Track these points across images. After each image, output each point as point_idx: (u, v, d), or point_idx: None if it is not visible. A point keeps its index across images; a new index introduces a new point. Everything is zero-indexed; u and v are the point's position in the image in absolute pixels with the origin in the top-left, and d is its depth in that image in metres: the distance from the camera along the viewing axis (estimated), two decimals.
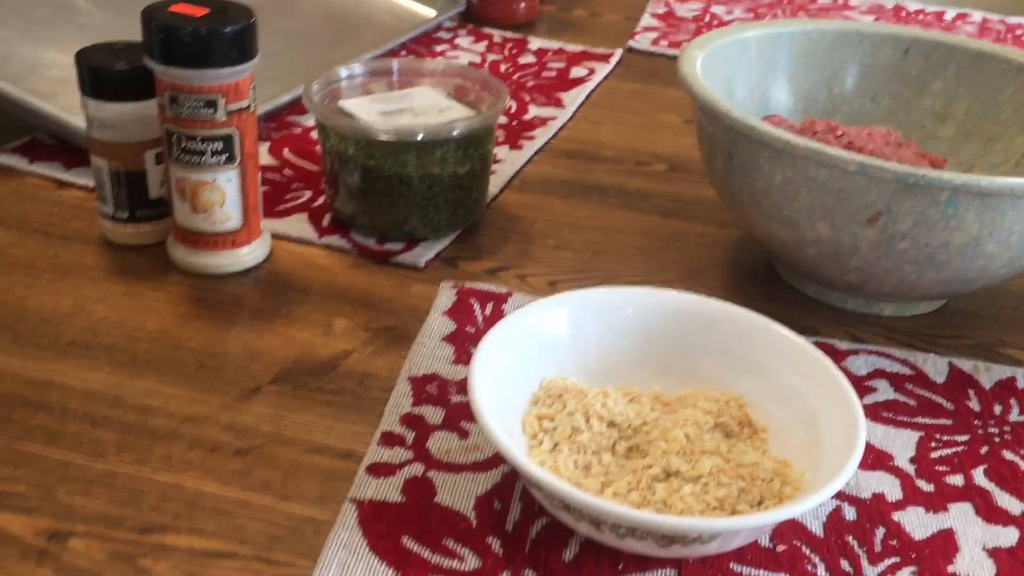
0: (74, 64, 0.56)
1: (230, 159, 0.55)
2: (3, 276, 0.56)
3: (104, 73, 0.55)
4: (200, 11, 0.53)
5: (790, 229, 0.53)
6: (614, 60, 0.98)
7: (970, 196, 0.47)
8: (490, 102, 0.64)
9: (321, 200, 0.67)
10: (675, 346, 0.49)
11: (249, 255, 0.59)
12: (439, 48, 0.98)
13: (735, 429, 0.46)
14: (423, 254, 0.61)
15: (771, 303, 0.60)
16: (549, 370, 0.47)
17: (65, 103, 0.71)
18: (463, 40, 1.01)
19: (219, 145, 0.54)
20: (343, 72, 0.65)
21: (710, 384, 0.48)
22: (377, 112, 0.62)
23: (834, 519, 0.43)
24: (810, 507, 0.37)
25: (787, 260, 0.58)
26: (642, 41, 1.04)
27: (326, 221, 0.64)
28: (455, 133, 0.59)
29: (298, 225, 0.64)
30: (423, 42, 0.99)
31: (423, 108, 0.63)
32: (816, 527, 0.43)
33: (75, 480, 0.42)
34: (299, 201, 0.66)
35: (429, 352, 0.52)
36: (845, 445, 0.41)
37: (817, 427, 0.44)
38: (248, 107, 0.55)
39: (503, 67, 0.94)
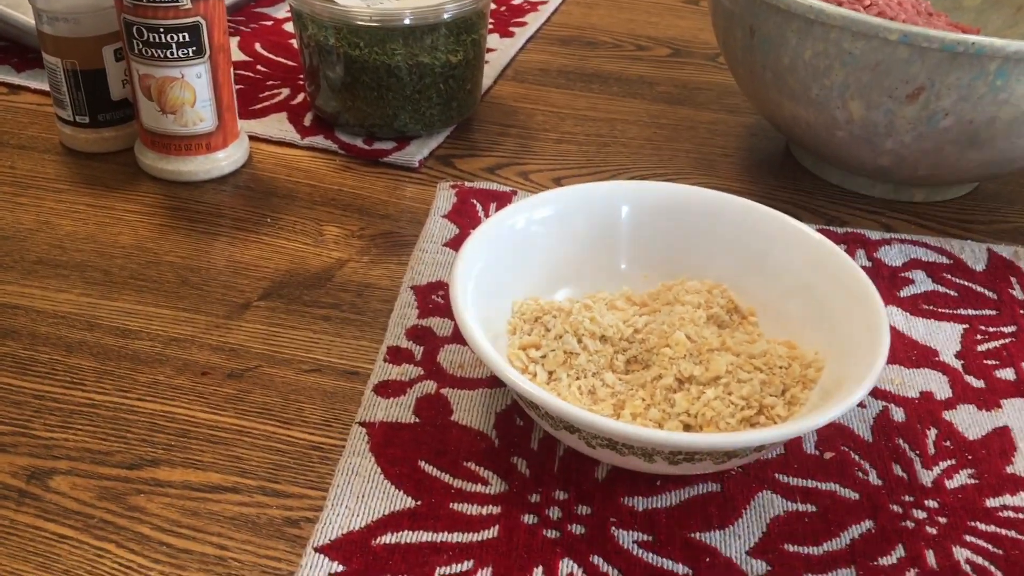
0: None
1: (198, 52, 0.49)
2: None
3: None
4: None
5: (818, 109, 0.49)
6: None
7: (1023, 65, 0.43)
8: None
9: (301, 97, 0.61)
10: (632, 238, 0.45)
11: (226, 160, 0.53)
12: None
13: (726, 319, 0.42)
14: (416, 152, 0.56)
15: (791, 192, 0.56)
16: (521, 286, 0.43)
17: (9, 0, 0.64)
18: None
19: (185, 36, 0.49)
20: None
21: (681, 274, 0.44)
22: None
23: (882, 421, 0.40)
24: (857, 400, 0.34)
25: (811, 145, 0.53)
26: None
27: (308, 120, 0.59)
28: (446, 16, 0.54)
29: (277, 125, 0.58)
30: None
31: None
32: (864, 431, 0.40)
33: (53, 413, 0.38)
34: (277, 100, 0.61)
35: (431, 259, 0.48)
36: (865, 328, 0.37)
37: (815, 300, 0.41)
38: None
39: None
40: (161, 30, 0.48)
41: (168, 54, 0.49)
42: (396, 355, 0.42)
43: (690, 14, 0.78)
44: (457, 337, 0.43)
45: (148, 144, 0.52)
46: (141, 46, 0.49)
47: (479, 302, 0.39)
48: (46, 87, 0.60)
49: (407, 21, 0.53)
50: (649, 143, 0.60)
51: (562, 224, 0.43)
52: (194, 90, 0.50)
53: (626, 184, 0.44)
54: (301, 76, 0.63)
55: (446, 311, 0.45)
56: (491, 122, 0.61)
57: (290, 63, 0.65)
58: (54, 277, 0.45)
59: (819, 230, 0.50)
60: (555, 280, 0.43)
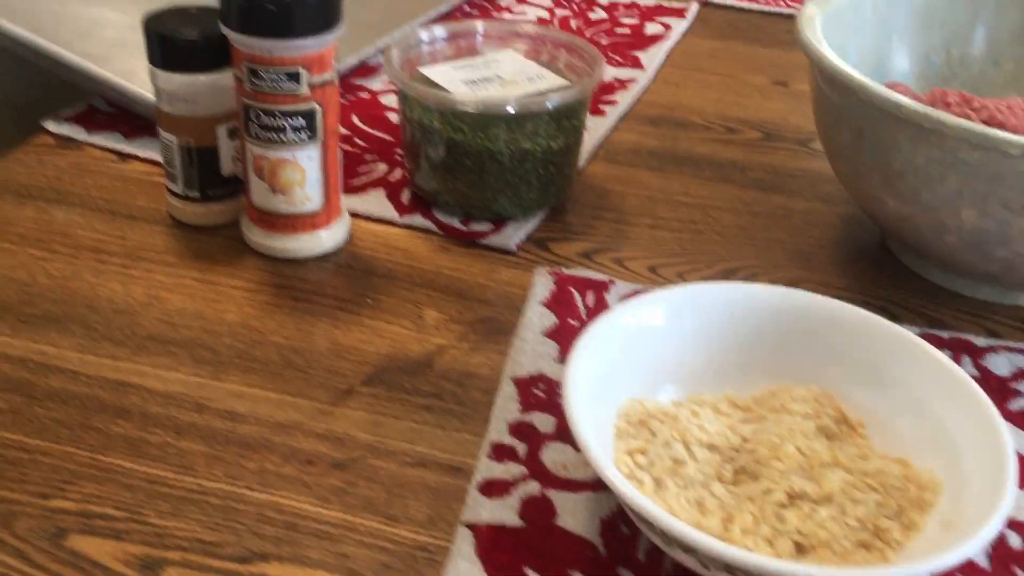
0: (142, 32, 0.52)
1: (312, 136, 0.51)
2: (72, 261, 0.52)
3: (175, 42, 0.51)
4: None
5: (927, 214, 0.48)
6: (690, 15, 0.92)
7: None
8: (582, 70, 0.59)
9: (399, 174, 0.62)
10: (741, 341, 0.44)
11: (329, 238, 0.54)
12: (503, 2, 0.92)
13: (835, 430, 0.42)
14: (513, 235, 0.57)
15: (889, 289, 0.55)
16: (627, 385, 0.42)
17: (122, 68, 0.66)
18: None
19: (300, 121, 0.50)
20: (423, 35, 0.60)
21: (786, 378, 0.44)
22: (462, 81, 0.57)
23: (1000, 550, 0.39)
24: (989, 537, 0.33)
25: (915, 245, 0.53)
26: None
27: (405, 198, 0.60)
28: (549, 105, 0.55)
29: (376, 202, 0.59)
30: None
31: (511, 76, 0.58)
32: (980, 558, 0.39)
33: (164, 498, 0.39)
34: (375, 175, 0.62)
35: (531, 349, 0.48)
36: (990, 460, 0.36)
37: (930, 417, 0.40)
38: (331, 79, 0.50)
39: (573, 23, 0.89)
40: (278, 114, 0.49)
41: (283, 137, 0.50)
42: (500, 452, 0.42)
43: (780, 96, 0.78)
44: (560, 435, 0.43)
45: (255, 220, 0.54)
46: (258, 129, 0.50)
47: (588, 403, 0.39)
48: (154, 156, 0.62)
49: (510, 109, 0.54)
50: (743, 232, 0.60)
51: (672, 323, 0.43)
52: (304, 172, 0.51)
53: (740, 286, 0.44)
54: (399, 151, 0.65)
55: (548, 406, 0.45)
56: (585, 204, 0.61)
57: (387, 137, 0.67)
58: (164, 355, 0.46)
59: (921, 333, 0.49)
60: (659, 379, 0.43)
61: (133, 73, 0.67)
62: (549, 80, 0.58)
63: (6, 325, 0.47)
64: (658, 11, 0.92)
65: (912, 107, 0.45)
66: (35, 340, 0.46)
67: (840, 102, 0.51)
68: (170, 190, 0.56)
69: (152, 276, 0.52)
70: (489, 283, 0.53)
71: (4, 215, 0.56)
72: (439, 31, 0.61)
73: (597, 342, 0.41)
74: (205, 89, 0.52)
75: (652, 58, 0.82)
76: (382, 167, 0.63)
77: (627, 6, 0.93)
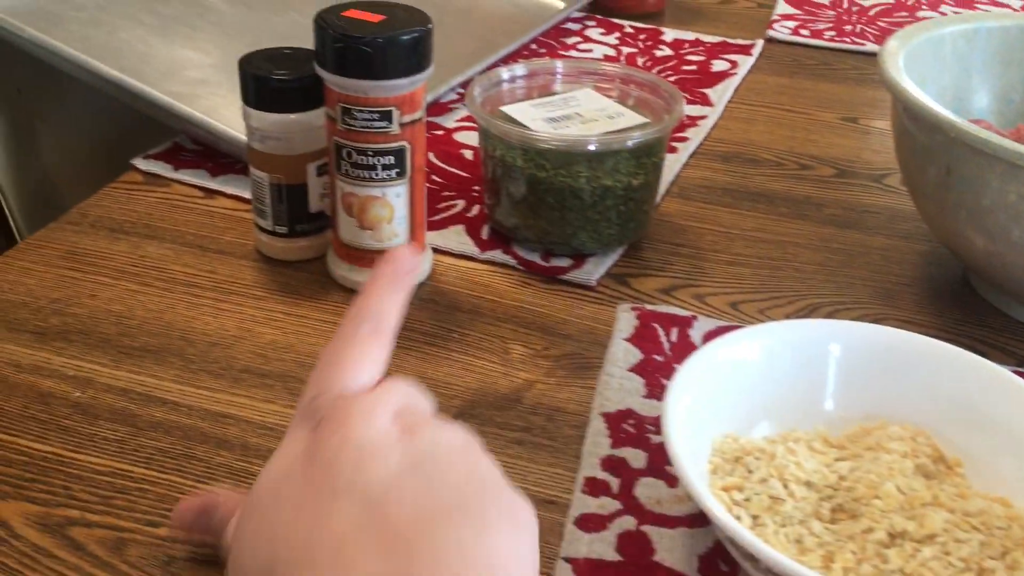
0: (238, 72, 0.53)
1: (400, 173, 0.52)
2: (166, 294, 0.54)
3: (269, 82, 0.52)
4: (375, 17, 0.49)
5: (1018, 252, 0.48)
6: (756, 52, 0.92)
7: None
8: (659, 107, 0.60)
9: (476, 210, 0.63)
10: (837, 378, 0.45)
11: None
12: (570, 41, 0.94)
13: (932, 469, 0.41)
14: (593, 271, 0.57)
15: (975, 327, 0.55)
16: (721, 421, 0.43)
17: (205, 106, 0.68)
18: (593, 32, 0.96)
19: (390, 159, 0.51)
20: (504, 74, 0.61)
21: (879, 416, 0.44)
22: (543, 119, 0.58)
23: None
24: None
25: (1005, 283, 0.52)
26: (781, 31, 0.98)
27: (485, 233, 0.61)
28: (630, 143, 0.55)
29: (457, 238, 0.60)
30: (552, 35, 0.94)
31: (591, 114, 0.59)
32: None
33: None
34: (454, 211, 0.63)
35: (618, 384, 0.49)
36: None
37: None
38: (420, 118, 0.51)
39: (640, 60, 0.90)
40: (370, 153, 0.51)
41: (373, 175, 0.51)
42: (593, 486, 0.42)
43: (850, 132, 0.78)
44: (653, 470, 0.43)
45: (342, 256, 0.55)
46: (349, 166, 0.51)
47: (685, 439, 0.39)
48: (239, 192, 0.64)
49: (592, 147, 0.55)
50: (823, 268, 0.60)
51: (766, 359, 0.44)
52: (393, 208, 0.53)
53: (837, 323, 0.45)
54: (475, 187, 0.66)
55: (638, 441, 0.45)
56: (662, 241, 0.62)
57: (463, 174, 0.68)
58: (260, 387, 0.47)
59: (1015, 371, 0.49)
60: (752, 415, 0.44)
61: (215, 110, 0.69)
62: (628, 117, 0.59)
63: (108, 357, 0.49)
64: (723, 48, 0.93)
65: (1004, 144, 0.45)
66: (136, 371, 0.48)
67: (926, 139, 0.51)
68: (258, 226, 0.57)
69: (243, 310, 0.53)
70: (571, 318, 0.54)
71: (100, 250, 0.57)
72: (519, 70, 0.62)
73: (693, 378, 0.41)
74: (297, 128, 0.53)
75: (721, 95, 0.83)
76: (460, 203, 0.64)
77: (692, 43, 0.94)
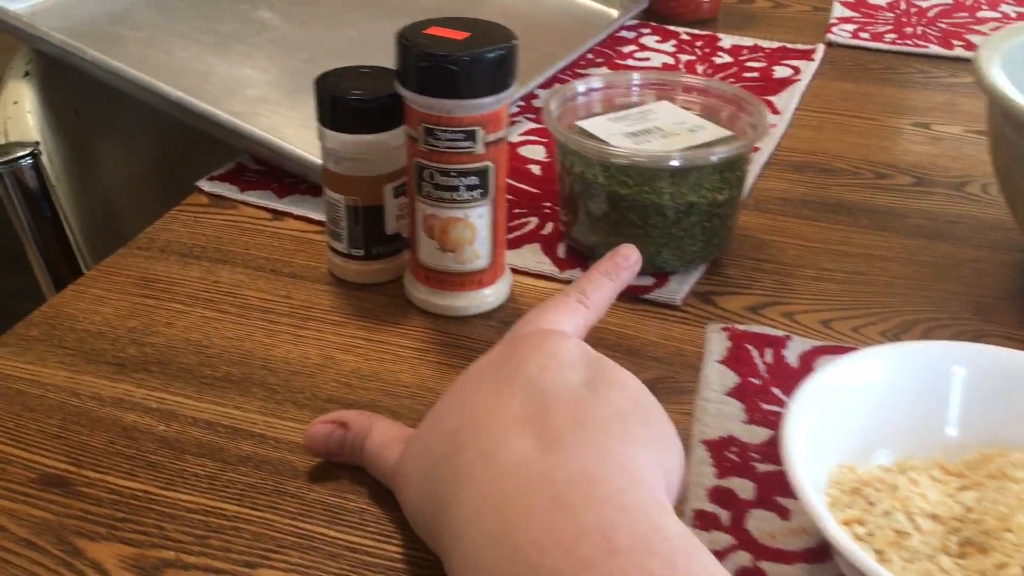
0: (313, 92, 0.52)
1: (484, 194, 0.50)
2: (243, 321, 0.53)
3: (347, 103, 0.51)
4: (459, 34, 0.48)
5: None
6: (818, 57, 0.90)
7: None
8: (738, 119, 0.58)
9: (550, 227, 0.62)
10: (958, 403, 0.42)
11: (493, 295, 0.54)
12: (626, 49, 0.92)
13: None
14: (676, 290, 0.56)
15: None
16: (837, 449, 0.41)
17: (266, 124, 0.67)
18: (648, 39, 0.94)
19: (474, 180, 0.50)
20: (579, 86, 0.60)
21: (1000, 442, 0.41)
22: (623, 133, 0.57)
23: None
24: None
25: None
26: (841, 34, 0.96)
27: (561, 251, 0.59)
28: (714, 159, 0.54)
29: (533, 257, 0.59)
30: (607, 44, 0.93)
31: (671, 127, 0.58)
32: None
33: (369, 567, 0.38)
34: (527, 229, 0.62)
35: (715, 409, 0.47)
36: None
37: None
38: (504, 137, 0.50)
39: (700, 68, 0.88)
40: (453, 174, 0.49)
41: (456, 196, 0.50)
42: (704, 519, 0.41)
43: (923, 139, 0.76)
44: (763, 501, 0.42)
45: (421, 279, 0.53)
46: (431, 188, 0.50)
47: (804, 470, 0.37)
48: (307, 213, 0.63)
49: (675, 163, 0.53)
50: (913, 283, 0.58)
51: (887, 384, 0.42)
52: (475, 230, 0.51)
53: (961, 345, 0.43)
54: (546, 204, 0.64)
55: (744, 471, 0.43)
56: (744, 256, 0.60)
57: (532, 190, 0.66)
58: None
59: None
60: (867, 443, 0.42)
61: (277, 128, 0.68)
62: (709, 130, 0.57)
63: (191, 388, 0.47)
64: (783, 53, 0.91)
65: None
66: (220, 403, 0.47)
67: None
68: (333, 248, 0.56)
69: (323, 336, 0.52)
70: (659, 340, 0.52)
71: (173, 275, 0.56)
72: (594, 82, 0.60)
73: (810, 403, 0.40)
74: (374, 149, 0.52)
75: (787, 102, 0.81)
76: (533, 220, 0.63)
77: (751, 49, 0.92)
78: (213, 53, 0.77)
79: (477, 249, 0.52)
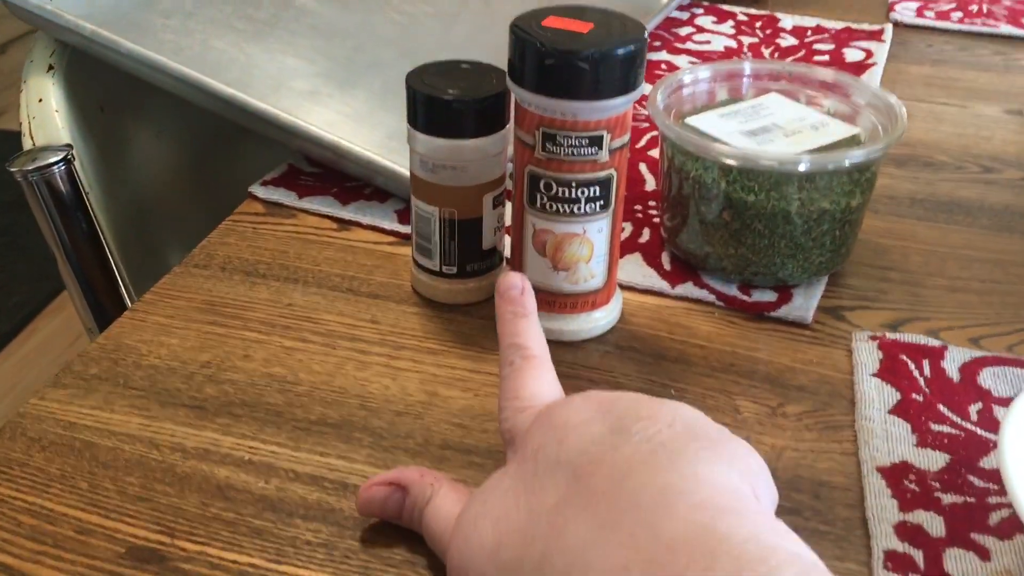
0: (405, 91, 0.46)
1: (605, 206, 0.45)
2: (329, 352, 0.47)
3: (446, 104, 0.45)
4: (584, 26, 0.42)
5: None
6: (887, 38, 0.85)
7: None
8: (868, 115, 0.53)
9: (647, 235, 0.56)
10: None
11: (605, 318, 0.48)
12: (683, 32, 0.86)
13: None
14: (805, 306, 0.50)
15: None
16: None
17: (321, 120, 0.61)
18: (704, 20, 0.89)
19: (596, 190, 0.44)
20: (686, 77, 0.54)
21: None
22: (739, 132, 0.51)
23: None
24: None
25: None
26: (905, 13, 0.90)
27: (666, 262, 0.54)
28: (847, 163, 0.48)
29: (638, 270, 0.53)
30: (663, 27, 0.87)
31: (791, 124, 0.52)
32: None
33: None
34: (624, 237, 0.56)
35: (882, 431, 0.42)
36: None
37: None
38: (627, 142, 0.44)
39: (765, 51, 0.82)
40: (574, 184, 0.43)
41: (575, 209, 0.44)
42: (896, 562, 0.36)
43: (1019, 127, 0.71)
44: (956, 539, 0.37)
45: None
46: (546, 200, 0.44)
47: None
48: (377, 222, 0.56)
49: (805, 167, 0.48)
50: None
51: None
52: (592, 246, 0.45)
53: None
54: (637, 207, 0.58)
55: (928, 503, 0.38)
56: (865, 264, 0.54)
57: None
58: (468, 466, 0.40)
59: None
60: None
61: (334, 126, 0.61)
62: (834, 128, 0.52)
63: (284, 435, 0.41)
64: (850, 35, 0.85)
65: None
66: (321, 452, 0.41)
67: None
68: (420, 264, 0.50)
69: (422, 368, 0.46)
70: (795, 364, 0.47)
71: (240, 298, 0.50)
72: (703, 72, 0.55)
73: (1019, 427, 0.35)
74: (474, 155, 0.46)
75: None
76: (627, 227, 0.57)
77: (815, 30, 0.87)
78: (252, 42, 0.70)
79: (593, 268, 0.46)
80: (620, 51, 0.41)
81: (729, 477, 0.29)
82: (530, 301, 0.39)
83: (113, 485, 0.39)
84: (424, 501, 0.35)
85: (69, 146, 0.60)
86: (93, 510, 0.38)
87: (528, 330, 0.38)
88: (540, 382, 0.36)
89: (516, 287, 0.39)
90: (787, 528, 0.28)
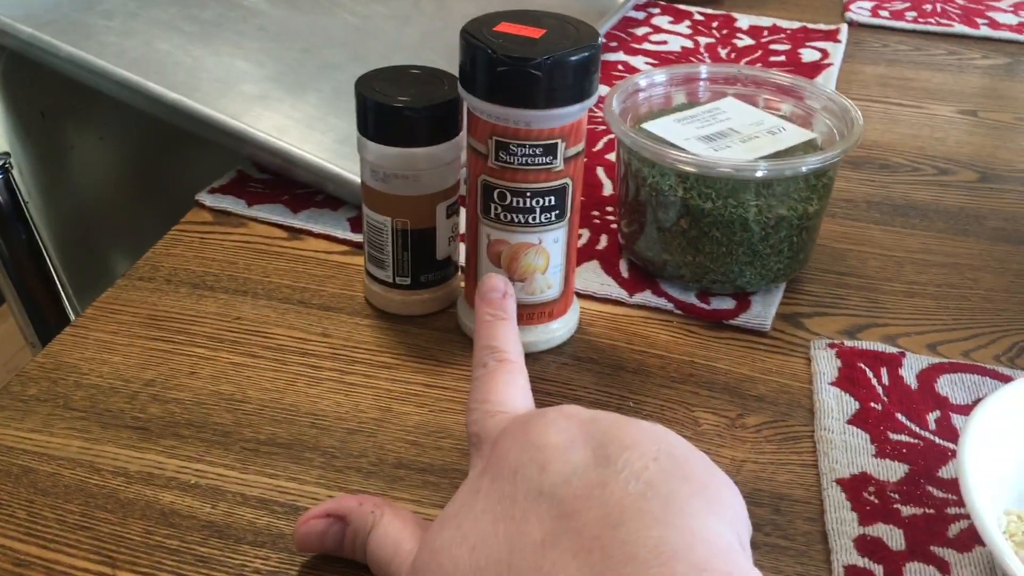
0: (355, 98, 0.45)
1: (560, 215, 0.44)
2: (279, 368, 0.45)
3: (397, 112, 0.44)
4: (536, 31, 0.41)
5: None
6: (843, 38, 0.85)
7: None
8: (803, 118, 0.53)
9: (605, 241, 0.55)
10: None
11: (562, 328, 0.47)
12: (640, 32, 0.85)
13: None
14: (763, 313, 0.50)
15: None
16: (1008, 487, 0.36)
17: (269, 125, 0.59)
18: (661, 20, 0.88)
19: (551, 200, 0.43)
20: (642, 81, 0.53)
21: None
22: (696, 137, 0.51)
23: None
24: None
25: None
26: (860, 12, 0.91)
27: (624, 270, 0.53)
28: (804, 169, 0.48)
29: (596, 278, 0.52)
30: (619, 27, 0.86)
31: (748, 130, 0.51)
32: None
33: None
34: (580, 244, 0.55)
35: (841, 441, 0.41)
36: None
37: None
38: (583, 150, 0.43)
39: (722, 51, 0.82)
40: (528, 194, 0.42)
41: (531, 219, 0.43)
42: None
43: (975, 129, 0.71)
44: (916, 553, 0.36)
45: None
46: (500, 210, 0.43)
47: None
48: (329, 231, 0.55)
49: (762, 173, 0.47)
50: (1014, 296, 0.52)
51: None
52: (548, 256, 0.44)
53: None
54: (594, 212, 0.58)
55: (888, 516, 0.38)
56: (823, 270, 0.54)
57: None
58: (422, 486, 0.39)
59: None
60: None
61: (285, 131, 0.60)
62: (792, 133, 0.51)
63: (233, 455, 0.40)
64: (806, 35, 0.85)
65: None
66: (271, 474, 0.39)
67: None
68: (373, 275, 0.49)
69: (375, 383, 0.45)
70: (755, 373, 0.46)
71: (186, 312, 0.48)
72: (658, 76, 0.54)
73: (979, 440, 0.34)
74: (426, 164, 0.45)
75: None
76: (584, 234, 0.56)
77: (771, 30, 0.86)
78: (198, 44, 0.68)
79: (549, 278, 0.45)
80: (574, 58, 0.40)
81: (720, 532, 0.28)
82: (511, 305, 0.38)
83: (52, 513, 0.37)
84: (367, 530, 0.34)
85: (6, 154, 0.58)
86: (31, 540, 0.36)
87: (506, 335, 0.37)
88: (513, 387, 0.35)
89: (498, 290, 0.38)
90: None
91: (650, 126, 0.52)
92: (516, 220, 0.43)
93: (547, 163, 0.42)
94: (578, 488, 0.29)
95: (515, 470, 0.30)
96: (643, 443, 0.30)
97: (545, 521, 0.28)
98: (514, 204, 0.43)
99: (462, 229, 0.48)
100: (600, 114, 0.69)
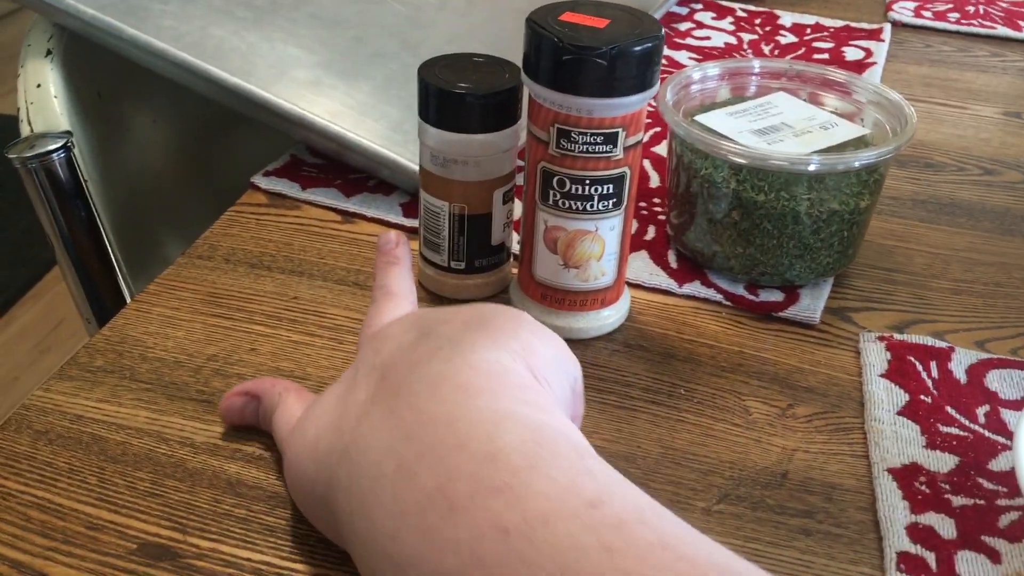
0: (417, 83, 0.46)
1: (618, 203, 0.44)
2: (337, 347, 0.46)
3: (460, 98, 0.45)
4: (600, 22, 0.42)
5: None
6: (886, 37, 0.85)
7: None
8: (872, 114, 0.53)
9: (653, 232, 0.56)
10: None
11: (613, 315, 0.48)
12: (683, 27, 0.86)
13: None
14: (812, 307, 0.50)
15: None
16: None
17: (323, 111, 0.60)
18: (703, 16, 0.88)
19: (609, 188, 0.44)
20: (695, 74, 0.54)
21: None
22: (749, 131, 0.51)
23: None
24: None
25: None
26: (903, 12, 0.91)
27: (673, 260, 0.54)
28: (857, 164, 0.48)
29: (645, 268, 0.53)
30: (662, 21, 0.87)
31: (800, 124, 0.52)
32: None
33: None
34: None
35: (892, 432, 0.42)
36: None
37: None
38: (642, 140, 0.44)
39: (765, 48, 0.82)
40: (587, 181, 0.43)
41: (588, 207, 0.44)
42: (910, 564, 0.36)
43: (1018, 129, 0.71)
44: (968, 542, 0.37)
45: (536, 297, 0.47)
46: (559, 197, 0.44)
47: None
48: (381, 215, 0.56)
49: (814, 167, 0.48)
50: None
51: None
52: (604, 243, 0.45)
53: None
54: (641, 203, 0.58)
55: (939, 505, 0.38)
56: (871, 266, 0.54)
57: None
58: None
59: None
60: None
61: (338, 116, 0.61)
62: (843, 128, 0.52)
63: None
64: (849, 33, 0.86)
65: None
66: None
67: None
68: (427, 259, 0.50)
69: None
70: (804, 365, 0.47)
71: (245, 291, 0.50)
72: (711, 70, 0.54)
73: None
74: (486, 150, 0.46)
75: None
76: (633, 224, 0.57)
77: (814, 27, 0.87)
78: (252, 30, 0.69)
79: (604, 265, 0.46)
80: (638, 48, 0.40)
81: (495, 359, 0.32)
82: (402, 252, 0.41)
83: (123, 480, 0.38)
84: (273, 407, 0.39)
85: (69, 133, 0.59)
86: (103, 505, 0.37)
87: (395, 274, 0.41)
88: (395, 314, 0.38)
89: (391, 242, 0.42)
90: (555, 401, 0.32)
91: (702, 118, 0.52)
92: (574, 207, 0.44)
93: (607, 151, 0.43)
94: (397, 355, 0.33)
95: (362, 359, 0.35)
96: (462, 314, 0.35)
97: (371, 386, 0.33)
98: (573, 191, 0.44)
99: (516, 215, 0.49)
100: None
